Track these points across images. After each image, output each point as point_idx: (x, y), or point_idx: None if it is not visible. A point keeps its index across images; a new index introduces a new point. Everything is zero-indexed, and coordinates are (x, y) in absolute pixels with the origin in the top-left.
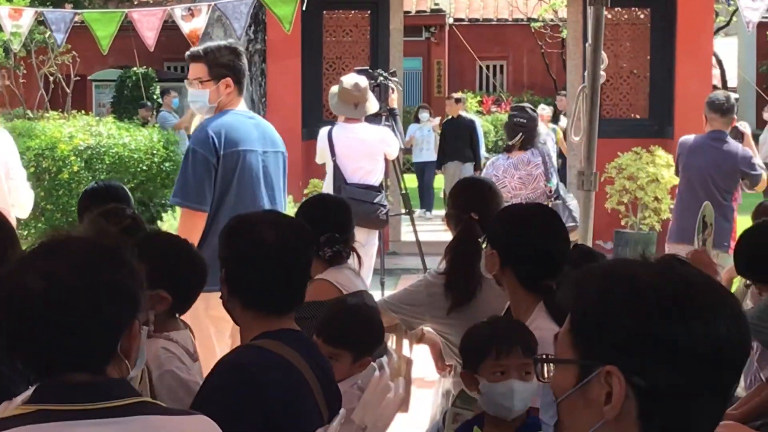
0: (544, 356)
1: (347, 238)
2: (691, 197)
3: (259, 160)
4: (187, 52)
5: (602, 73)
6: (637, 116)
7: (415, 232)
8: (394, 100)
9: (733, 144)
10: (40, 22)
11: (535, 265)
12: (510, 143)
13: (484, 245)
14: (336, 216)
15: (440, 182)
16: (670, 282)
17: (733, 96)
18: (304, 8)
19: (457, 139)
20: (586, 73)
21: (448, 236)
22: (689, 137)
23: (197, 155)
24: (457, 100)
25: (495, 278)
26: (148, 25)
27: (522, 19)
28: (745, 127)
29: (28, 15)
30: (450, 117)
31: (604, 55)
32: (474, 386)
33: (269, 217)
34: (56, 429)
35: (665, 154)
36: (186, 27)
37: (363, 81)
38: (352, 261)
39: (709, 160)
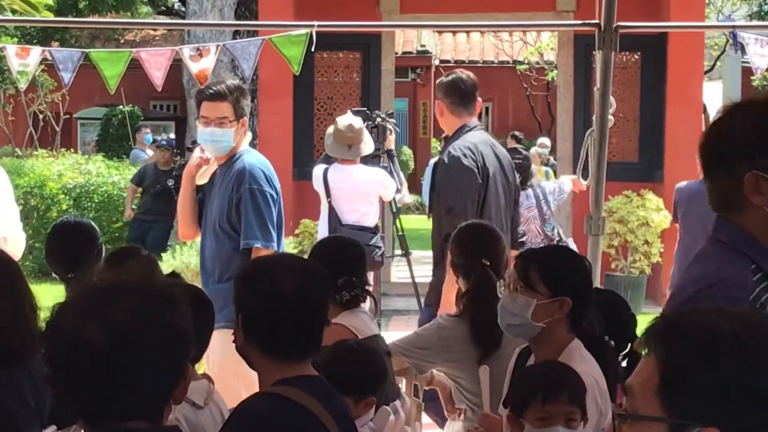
0: (625, 411)
1: (363, 281)
2: (692, 244)
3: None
4: (209, 91)
5: (610, 117)
6: (628, 160)
7: (412, 274)
8: (392, 141)
9: None
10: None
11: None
12: None
13: (502, 289)
14: (352, 259)
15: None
16: None
17: None
18: (313, 49)
19: None
20: (594, 117)
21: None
22: (685, 184)
23: (266, 194)
24: None
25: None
26: (156, 65)
27: (508, 62)
28: None
29: (36, 54)
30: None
31: (612, 99)
32: (518, 430)
33: (286, 262)
34: None
35: (655, 197)
36: (194, 67)
37: (358, 122)
38: (365, 304)
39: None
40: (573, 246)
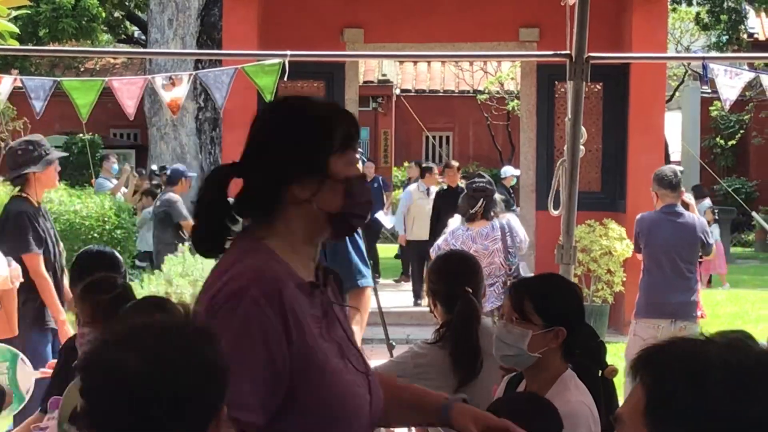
0: None
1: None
2: (657, 273)
3: None
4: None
5: (581, 147)
6: (591, 189)
7: (378, 302)
8: (370, 168)
9: (688, 215)
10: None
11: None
12: (472, 211)
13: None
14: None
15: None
16: (760, 364)
17: (678, 169)
18: (285, 78)
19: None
20: (566, 147)
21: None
22: (646, 214)
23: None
24: (459, 168)
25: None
26: (128, 93)
27: (468, 91)
28: (690, 198)
29: (8, 82)
30: (446, 187)
31: (583, 129)
32: None
33: None
34: None
35: (618, 227)
36: (167, 96)
37: None
38: None
39: (670, 234)
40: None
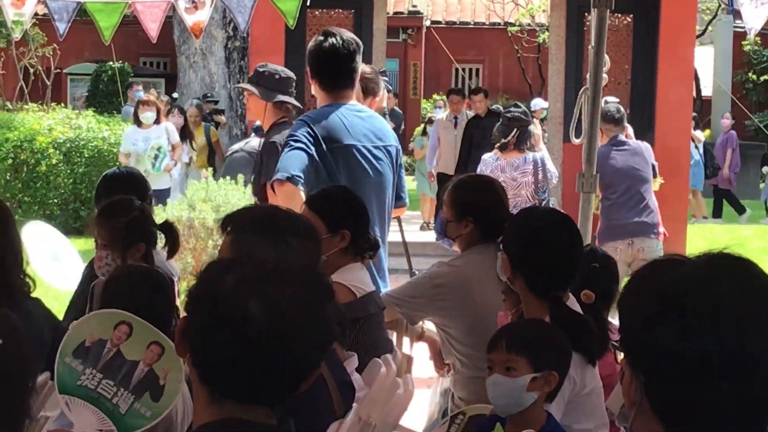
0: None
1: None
2: (613, 198)
3: None
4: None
5: (604, 75)
6: None
7: (402, 233)
8: (384, 98)
9: (634, 143)
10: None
11: (545, 274)
12: (505, 140)
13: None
14: (362, 209)
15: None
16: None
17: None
18: (308, 4)
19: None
20: (588, 75)
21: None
22: (600, 149)
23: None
24: (487, 94)
25: (508, 281)
26: (151, 16)
27: (499, 23)
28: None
29: (31, 4)
30: (475, 116)
31: (606, 57)
32: None
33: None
34: None
35: None
36: (189, 19)
37: None
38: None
39: (620, 162)
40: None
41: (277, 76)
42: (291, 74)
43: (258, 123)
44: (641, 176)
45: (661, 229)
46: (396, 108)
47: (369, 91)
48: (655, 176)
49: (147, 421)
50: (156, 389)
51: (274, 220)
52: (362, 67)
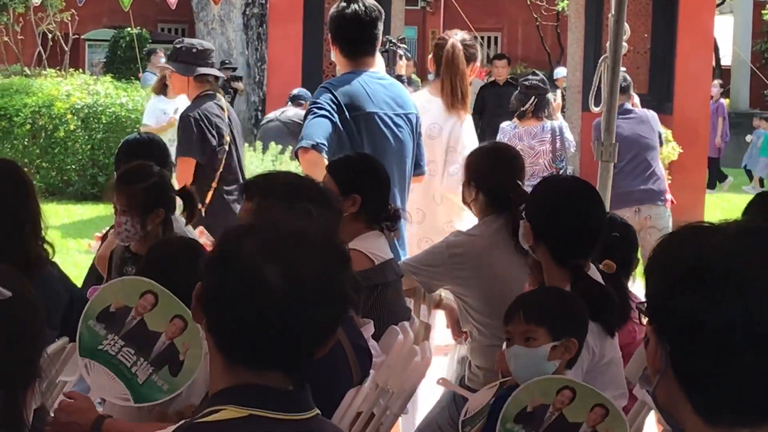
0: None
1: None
2: (619, 165)
3: None
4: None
5: (624, 44)
6: (637, 91)
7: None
8: (402, 66)
9: (640, 111)
10: None
11: (567, 243)
12: (523, 108)
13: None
14: (384, 177)
15: None
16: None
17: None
18: None
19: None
20: (608, 44)
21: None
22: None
23: None
24: (509, 61)
25: (530, 250)
26: None
27: None
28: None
29: None
30: (491, 82)
31: (626, 25)
32: None
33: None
34: None
35: (665, 129)
36: None
37: None
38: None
39: (626, 130)
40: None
41: (194, 50)
42: (209, 46)
43: (294, 92)
44: (647, 144)
45: (669, 196)
46: (414, 75)
47: (470, 57)
48: (661, 144)
49: (163, 394)
50: (175, 364)
51: (295, 187)
52: (462, 35)
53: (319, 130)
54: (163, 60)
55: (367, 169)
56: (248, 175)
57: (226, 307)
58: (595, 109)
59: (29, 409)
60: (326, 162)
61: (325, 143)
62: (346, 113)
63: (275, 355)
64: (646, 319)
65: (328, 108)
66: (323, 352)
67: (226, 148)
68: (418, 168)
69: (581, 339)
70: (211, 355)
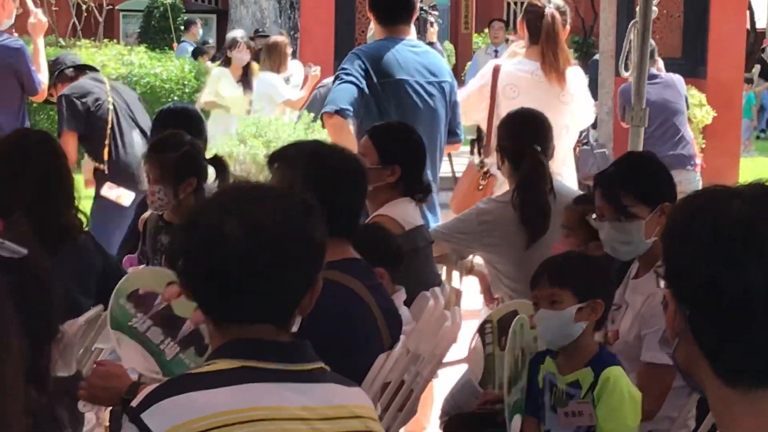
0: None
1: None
2: (651, 132)
3: None
4: None
5: (654, 8)
6: (670, 56)
7: (452, 167)
8: (434, 33)
9: (665, 75)
10: None
11: None
12: None
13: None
14: (419, 145)
15: None
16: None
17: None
18: None
19: None
20: (637, 8)
21: None
22: (626, 85)
23: None
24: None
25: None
26: None
27: None
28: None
29: None
30: None
31: None
32: None
33: (325, 149)
34: (268, 390)
35: (698, 93)
36: None
37: None
38: None
39: (656, 94)
40: (600, 150)
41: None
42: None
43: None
44: (675, 108)
45: (698, 161)
46: (437, 42)
47: (564, 23)
48: (688, 107)
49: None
50: (201, 347)
51: (319, 155)
52: (554, 1)
53: (344, 95)
54: (201, 30)
55: (410, 141)
56: (281, 143)
57: (197, 269)
58: (626, 74)
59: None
60: (351, 127)
61: (350, 108)
62: (375, 80)
63: (254, 306)
64: (664, 282)
65: (356, 74)
66: (309, 304)
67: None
68: (454, 136)
69: (607, 300)
70: (206, 325)
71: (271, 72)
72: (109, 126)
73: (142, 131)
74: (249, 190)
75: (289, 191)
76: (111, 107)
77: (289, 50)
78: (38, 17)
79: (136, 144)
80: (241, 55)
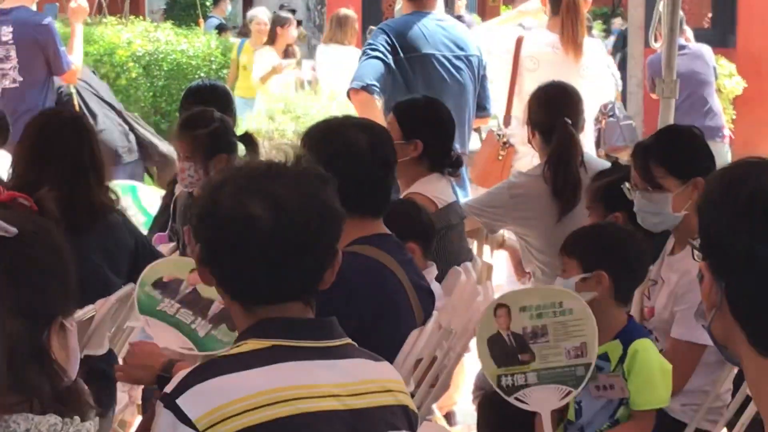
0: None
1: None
2: (679, 103)
3: None
4: None
5: None
6: (699, 26)
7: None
8: (461, 7)
9: (693, 46)
10: None
11: None
12: None
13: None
14: (448, 120)
15: None
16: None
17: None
18: None
19: None
20: None
21: None
22: (654, 56)
23: None
24: None
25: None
26: None
27: None
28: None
29: None
30: None
31: None
32: None
33: (353, 121)
34: (300, 368)
35: (728, 63)
36: None
37: None
38: None
39: (684, 65)
40: (626, 122)
41: None
42: None
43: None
44: (703, 79)
45: (727, 132)
46: (465, 15)
47: None
48: (716, 78)
49: (224, 345)
50: (232, 324)
51: (333, 131)
52: None
53: (371, 70)
54: (230, 7)
55: (433, 116)
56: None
57: (225, 255)
58: (655, 45)
59: (54, 347)
60: (378, 103)
61: (377, 84)
62: (401, 54)
63: (285, 284)
64: (700, 254)
65: (383, 49)
66: (331, 276)
67: None
68: (483, 110)
69: (616, 273)
70: (231, 310)
71: (339, 44)
72: (77, 108)
73: (115, 110)
74: (263, 169)
75: (301, 164)
76: (74, 90)
77: (356, 24)
78: (79, 2)
79: (110, 120)
80: (290, 32)
